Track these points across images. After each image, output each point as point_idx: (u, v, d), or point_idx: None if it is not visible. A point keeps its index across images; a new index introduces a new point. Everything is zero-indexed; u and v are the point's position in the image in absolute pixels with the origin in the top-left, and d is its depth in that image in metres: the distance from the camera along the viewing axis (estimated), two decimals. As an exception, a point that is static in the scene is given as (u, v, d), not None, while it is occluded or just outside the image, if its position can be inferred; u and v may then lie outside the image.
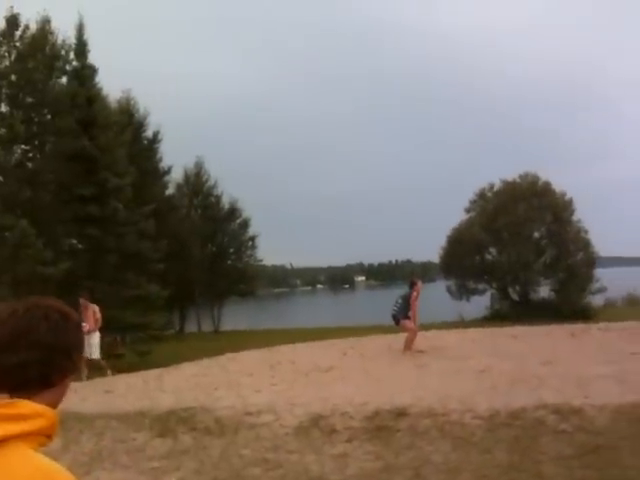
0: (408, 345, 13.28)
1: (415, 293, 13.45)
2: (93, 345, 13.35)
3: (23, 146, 20.50)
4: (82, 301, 13.53)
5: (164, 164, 30.98)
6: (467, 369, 10.61)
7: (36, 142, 20.77)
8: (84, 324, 13.05)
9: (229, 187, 37.04)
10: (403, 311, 13.53)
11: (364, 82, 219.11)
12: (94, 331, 13.45)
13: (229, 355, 15.56)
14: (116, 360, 17.98)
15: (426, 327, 17.31)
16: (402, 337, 13.66)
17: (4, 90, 19.10)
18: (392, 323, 14.06)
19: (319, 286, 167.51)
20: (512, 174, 34.31)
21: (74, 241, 19.23)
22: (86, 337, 12.89)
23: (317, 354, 13.60)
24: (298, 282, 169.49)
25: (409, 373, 10.23)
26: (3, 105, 19.49)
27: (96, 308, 13.58)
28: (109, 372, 13.72)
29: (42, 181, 18.63)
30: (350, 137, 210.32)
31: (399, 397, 7.98)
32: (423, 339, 14.29)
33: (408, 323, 13.46)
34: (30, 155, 21.11)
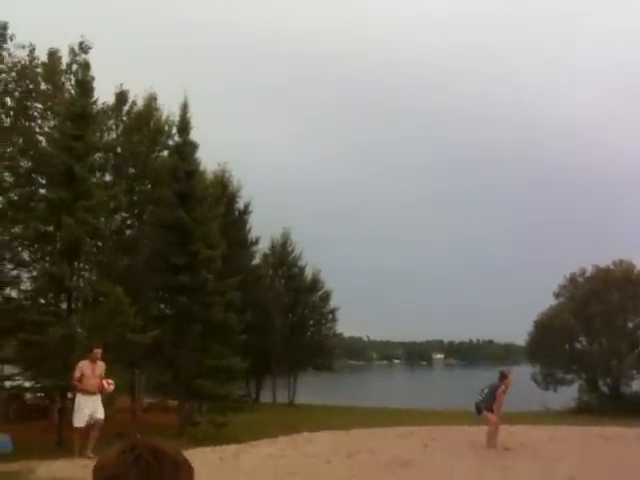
0: (492, 441, 12.73)
1: (504, 387, 12.96)
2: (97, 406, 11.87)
3: (123, 213, 21.44)
4: (96, 352, 12.02)
5: (252, 235, 31.83)
6: (557, 474, 10.06)
7: (135, 210, 21.73)
8: (108, 381, 11.87)
9: (311, 255, 37.08)
10: (487, 402, 13.06)
11: (437, 154, 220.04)
12: (97, 392, 11.96)
13: (305, 435, 15.38)
14: (193, 428, 18.11)
15: (510, 417, 16.58)
16: (484, 430, 13.13)
17: (111, 161, 20.24)
18: (473, 410, 13.61)
19: (396, 361, 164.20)
20: (604, 260, 33.14)
21: (162, 306, 19.73)
22: (92, 397, 11.77)
23: (396, 443, 13.22)
24: (374, 355, 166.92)
25: (496, 475, 9.75)
26: (107, 175, 20.61)
27: (103, 367, 12.11)
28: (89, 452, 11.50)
29: (138, 249, 19.43)
30: (428, 215, 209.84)
31: (486, 506, 7.59)
32: (509, 434, 13.69)
33: (491, 416, 12.96)
34: (128, 222, 22.08)
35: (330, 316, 36.46)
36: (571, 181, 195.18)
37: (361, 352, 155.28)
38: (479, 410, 13.23)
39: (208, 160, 23.79)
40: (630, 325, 31.93)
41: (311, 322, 36.26)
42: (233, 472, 10.44)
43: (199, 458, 11.67)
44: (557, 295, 33.61)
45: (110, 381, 12.05)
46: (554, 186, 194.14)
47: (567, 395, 31.48)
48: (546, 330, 32.09)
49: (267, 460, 11.56)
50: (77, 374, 11.87)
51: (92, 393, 11.85)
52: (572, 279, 33.53)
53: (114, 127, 22.16)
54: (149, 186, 21.18)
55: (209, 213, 18.92)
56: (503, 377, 13.13)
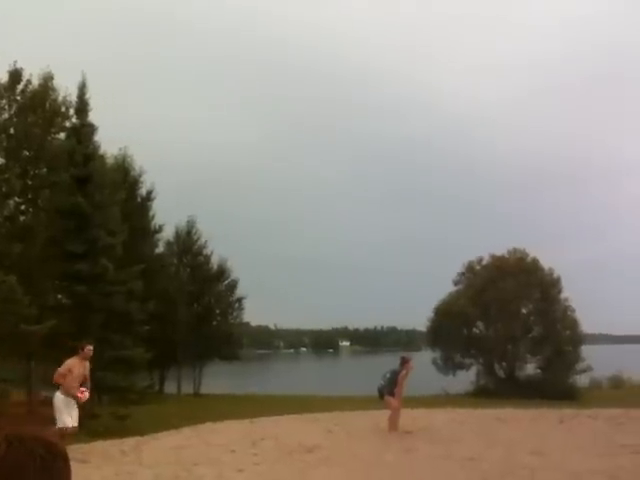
0: (393, 425, 13.03)
1: (404, 371, 13.28)
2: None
3: (16, 199, 20.40)
4: (89, 350, 10.40)
5: (156, 222, 30.97)
6: (456, 455, 10.38)
7: (29, 195, 20.70)
8: (81, 389, 10.38)
9: (218, 245, 36.58)
10: (389, 387, 13.35)
11: (349, 147, 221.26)
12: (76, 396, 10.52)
13: (209, 425, 15.19)
14: (92, 421, 17.47)
15: (410, 401, 17.06)
16: (387, 415, 13.43)
17: (3, 143, 19.16)
18: (376, 395, 13.87)
19: (302, 349, 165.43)
20: (501, 249, 34.53)
21: (59, 296, 18.91)
22: (71, 401, 10.37)
23: (301, 430, 13.28)
24: (281, 344, 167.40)
25: (397, 458, 9.96)
26: (0, 158, 19.52)
27: (88, 368, 10.70)
28: None
29: (33, 236, 18.48)
30: (335, 203, 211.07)
31: (388, 488, 7.74)
32: (410, 419, 14.04)
33: (392, 401, 13.25)
34: (22, 208, 21.00)
35: (237, 305, 36.22)
36: (472, 175, 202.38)
37: (268, 341, 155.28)
38: (381, 395, 13.51)
39: (109, 144, 22.93)
40: (524, 311, 33.50)
41: (217, 311, 35.84)
42: (135, 465, 10.14)
43: (99, 451, 11.32)
44: (456, 283, 34.78)
45: (83, 389, 10.50)
46: (454, 180, 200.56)
47: (465, 378, 32.72)
48: (445, 316, 33.17)
49: (170, 451, 11.33)
50: (63, 370, 10.27)
51: (73, 396, 10.36)
52: (470, 267, 34.75)
53: (7, 107, 21.00)
54: (45, 170, 20.22)
55: (109, 199, 18.24)
56: (404, 362, 13.46)
